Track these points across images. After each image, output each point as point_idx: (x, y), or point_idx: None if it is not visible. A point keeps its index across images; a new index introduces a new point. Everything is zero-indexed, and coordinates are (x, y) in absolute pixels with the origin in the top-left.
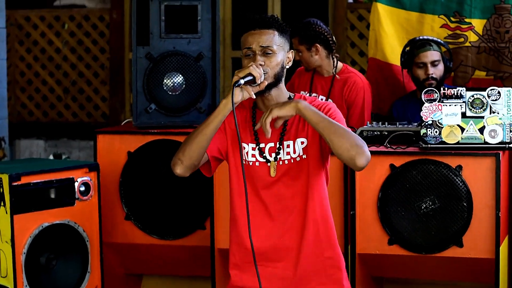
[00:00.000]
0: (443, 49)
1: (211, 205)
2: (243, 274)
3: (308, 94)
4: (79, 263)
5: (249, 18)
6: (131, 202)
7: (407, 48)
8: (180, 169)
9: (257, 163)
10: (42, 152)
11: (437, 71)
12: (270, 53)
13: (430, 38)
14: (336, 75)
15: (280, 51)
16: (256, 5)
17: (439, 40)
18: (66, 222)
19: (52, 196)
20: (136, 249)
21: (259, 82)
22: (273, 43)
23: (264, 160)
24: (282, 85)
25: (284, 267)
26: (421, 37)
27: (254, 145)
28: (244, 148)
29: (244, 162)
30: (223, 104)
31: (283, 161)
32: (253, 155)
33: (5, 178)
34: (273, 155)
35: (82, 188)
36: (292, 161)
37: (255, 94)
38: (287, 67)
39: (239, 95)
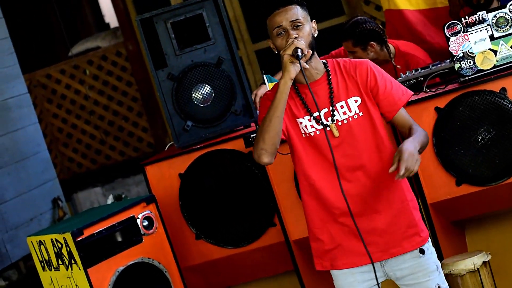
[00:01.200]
0: None
1: (274, 200)
2: (337, 251)
3: None
4: None
5: (269, 1)
6: (197, 221)
7: None
8: (267, 158)
9: (318, 132)
10: (101, 198)
11: None
12: (300, 25)
13: None
14: (396, 64)
15: (306, 22)
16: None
17: None
18: (140, 260)
19: (119, 239)
20: (215, 265)
21: (305, 53)
22: (299, 16)
23: (322, 127)
24: (315, 54)
25: (372, 219)
26: None
27: (309, 117)
28: (301, 122)
29: (305, 135)
30: (282, 84)
31: (342, 121)
32: (312, 126)
33: (68, 236)
34: (329, 119)
35: (145, 223)
36: (350, 119)
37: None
38: (315, 35)
39: (293, 70)
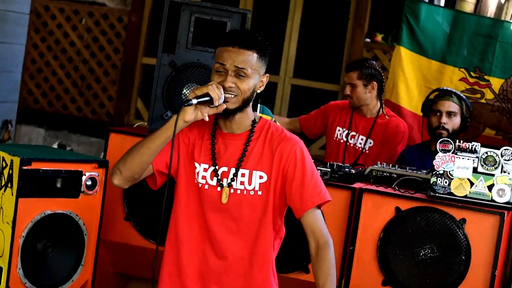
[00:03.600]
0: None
1: None
2: None
3: (346, 132)
4: (74, 255)
5: (230, 32)
6: (133, 204)
7: (430, 96)
8: (118, 180)
9: (206, 186)
10: (41, 140)
11: (450, 123)
12: (243, 76)
13: (454, 90)
14: (385, 115)
15: (254, 75)
16: (275, 37)
17: (462, 95)
18: (68, 213)
19: (58, 185)
20: (130, 250)
21: (217, 105)
22: (248, 66)
23: (215, 184)
24: (248, 108)
25: None
26: (445, 88)
27: (206, 166)
28: (197, 168)
29: (194, 183)
30: (173, 120)
31: (235, 190)
32: (204, 177)
33: (16, 161)
34: (225, 180)
35: (89, 182)
36: (245, 193)
37: (215, 115)
38: (259, 91)
39: (191, 114)
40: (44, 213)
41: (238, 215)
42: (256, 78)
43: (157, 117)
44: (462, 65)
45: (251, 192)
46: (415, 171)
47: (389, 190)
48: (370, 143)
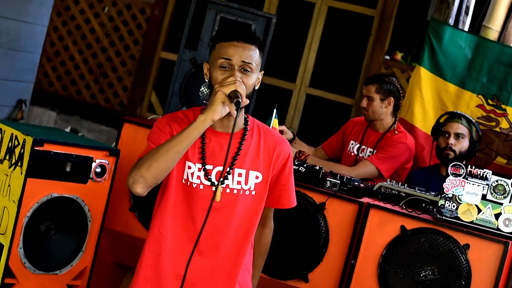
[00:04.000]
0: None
1: None
2: None
3: (358, 146)
4: (76, 240)
5: (232, 27)
6: (139, 196)
7: (441, 120)
8: (141, 188)
9: (201, 186)
10: (52, 123)
11: (458, 145)
12: (249, 71)
13: (464, 114)
14: (395, 130)
15: (256, 70)
16: (295, 45)
17: (472, 119)
18: (75, 198)
19: (68, 169)
20: (132, 241)
21: (243, 101)
22: (253, 61)
23: (209, 184)
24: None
25: None
26: (455, 111)
27: (200, 165)
28: (190, 167)
29: (184, 182)
30: (201, 120)
31: (232, 189)
32: (198, 177)
33: (29, 140)
34: (220, 179)
35: (98, 170)
36: (241, 193)
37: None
38: (256, 88)
39: (219, 112)
40: (51, 196)
41: (231, 214)
42: (256, 74)
43: (171, 112)
44: (480, 92)
45: (246, 192)
46: (423, 192)
47: (396, 208)
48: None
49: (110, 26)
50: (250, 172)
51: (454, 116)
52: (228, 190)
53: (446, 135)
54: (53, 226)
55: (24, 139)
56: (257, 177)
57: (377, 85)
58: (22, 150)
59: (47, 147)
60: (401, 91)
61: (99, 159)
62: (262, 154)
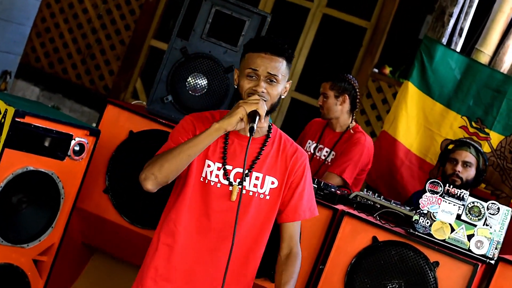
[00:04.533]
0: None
1: None
2: None
3: (315, 145)
4: (47, 216)
5: (262, 38)
6: (115, 178)
7: (449, 147)
8: (152, 185)
9: (218, 185)
10: (34, 99)
11: (465, 173)
12: (274, 82)
13: (473, 143)
14: (351, 129)
15: (283, 81)
16: None
17: (480, 149)
18: (50, 174)
19: (46, 144)
20: (102, 223)
21: (260, 118)
22: (279, 73)
23: (227, 183)
24: (269, 114)
25: None
26: (465, 140)
27: (220, 165)
28: (209, 166)
29: (202, 180)
30: (215, 128)
31: (248, 191)
32: (217, 176)
33: (10, 111)
34: (238, 180)
35: (77, 148)
36: (256, 196)
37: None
38: (283, 97)
39: (234, 126)
40: (27, 168)
41: (243, 214)
42: (282, 84)
43: (157, 99)
44: (465, 114)
45: (261, 195)
46: (399, 206)
47: (370, 218)
48: (333, 155)
49: (103, 8)
50: (267, 177)
51: (463, 144)
52: (244, 191)
53: (454, 162)
54: (25, 199)
55: (6, 109)
56: (273, 183)
57: (331, 82)
58: (3, 120)
59: (28, 119)
60: (357, 90)
61: (78, 138)
62: (279, 161)
